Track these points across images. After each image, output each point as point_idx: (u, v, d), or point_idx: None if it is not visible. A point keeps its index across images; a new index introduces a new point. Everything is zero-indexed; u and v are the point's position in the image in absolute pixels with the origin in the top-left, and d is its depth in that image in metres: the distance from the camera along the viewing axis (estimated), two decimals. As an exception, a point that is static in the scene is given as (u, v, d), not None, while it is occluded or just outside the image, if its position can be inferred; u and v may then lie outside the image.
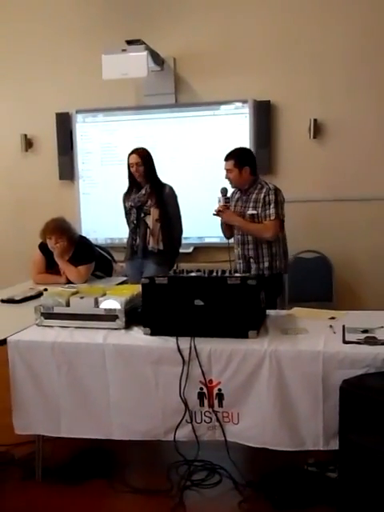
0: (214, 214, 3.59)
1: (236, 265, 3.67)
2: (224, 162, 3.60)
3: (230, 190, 3.67)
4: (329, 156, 4.90)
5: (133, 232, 4.09)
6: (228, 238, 3.78)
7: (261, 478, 2.70)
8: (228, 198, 3.58)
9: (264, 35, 4.90)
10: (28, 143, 5.50)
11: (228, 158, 3.57)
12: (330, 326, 2.65)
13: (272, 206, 3.46)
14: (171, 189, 4.05)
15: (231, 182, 3.62)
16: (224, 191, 3.59)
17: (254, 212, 3.50)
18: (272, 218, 3.46)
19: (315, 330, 2.60)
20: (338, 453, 2.31)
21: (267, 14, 4.88)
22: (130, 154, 4.04)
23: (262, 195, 3.50)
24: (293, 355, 2.40)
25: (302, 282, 4.89)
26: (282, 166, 4.99)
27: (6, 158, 5.56)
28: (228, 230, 3.73)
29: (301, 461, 2.72)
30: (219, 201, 3.58)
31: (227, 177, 3.60)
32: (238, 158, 3.56)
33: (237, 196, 3.66)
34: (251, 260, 3.57)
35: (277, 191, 3.52)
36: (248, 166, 3.55)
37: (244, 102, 4.93)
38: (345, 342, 2.43)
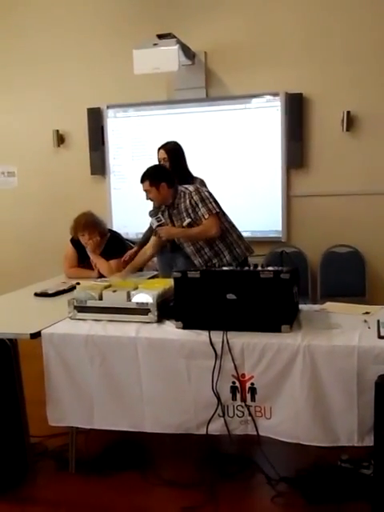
0: (156, 236, 3.64)
1: None
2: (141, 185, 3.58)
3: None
4: (362, 149, 4.83)
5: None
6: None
7: (294, 473, 2.68)
8: (159, 218, 3.56)
9: (295, 27, 4.85)
10: (60, 139, 5.55)
11: (142, 180, 3.54)
12: (365, 321, 2.61)
13: (200, 205, 3.44)
14: (202, 182, 4.03)
15: (155, 202, 3.61)
16: (154, 213, 3.60)
17: (189, 220, 3.48)
18: (206, 216, 3.43)
19: (349, 325, 2.57)
20: (373, 449, 2.28)
21: (298, 5, 4.83)
22: (158, 149, 4.05)
23: (188, 201, 3.48)
24: (327, 350, 2.37)
25: (335, 277, 4.85)
26: (315, 159, 4.94)
27: (38, 154, 5.63)
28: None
29: (334, 457, 2.69)
30: (153, 225, 3.61)
31: (148, 198, 3.58)
32: (150, 176, 3.51)
33: (167, 214, 3.60)
34: (214, 260, 3.52)
35: (197, 190, 3.49)
36: (163, 181, 3.50)
37: (275, 94, 4.89)
38: (380, 336, 2.39)
